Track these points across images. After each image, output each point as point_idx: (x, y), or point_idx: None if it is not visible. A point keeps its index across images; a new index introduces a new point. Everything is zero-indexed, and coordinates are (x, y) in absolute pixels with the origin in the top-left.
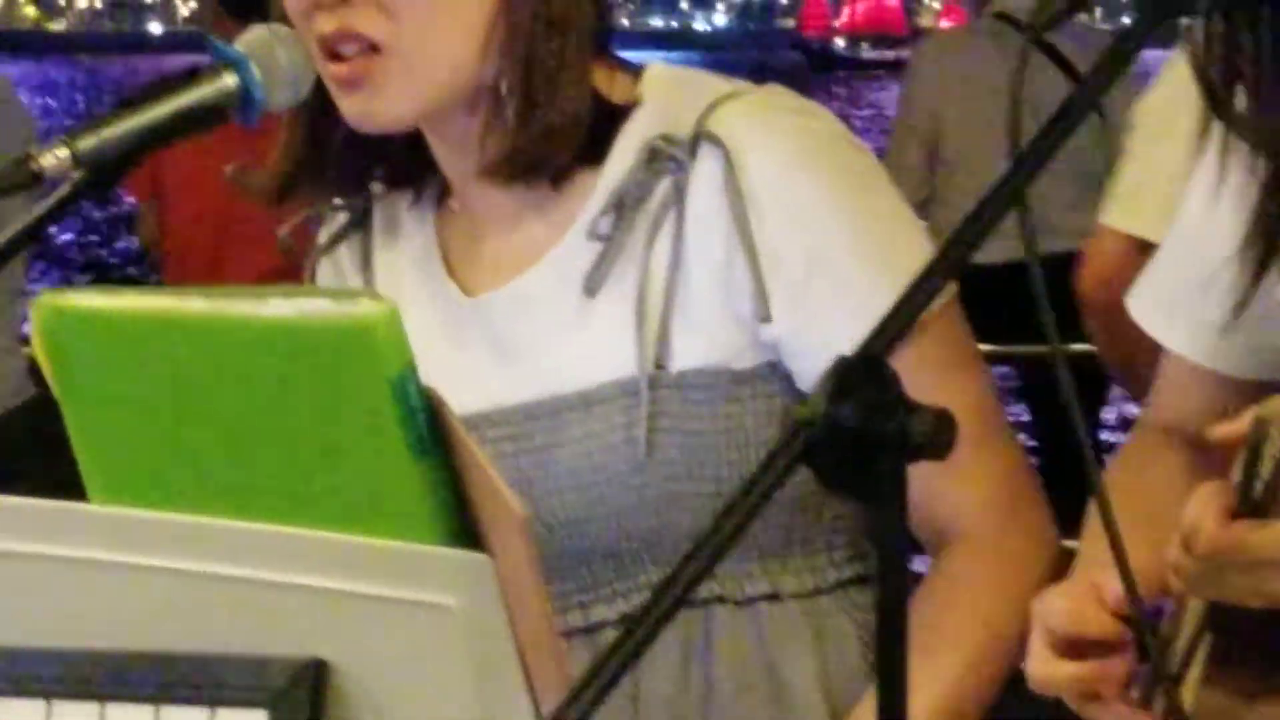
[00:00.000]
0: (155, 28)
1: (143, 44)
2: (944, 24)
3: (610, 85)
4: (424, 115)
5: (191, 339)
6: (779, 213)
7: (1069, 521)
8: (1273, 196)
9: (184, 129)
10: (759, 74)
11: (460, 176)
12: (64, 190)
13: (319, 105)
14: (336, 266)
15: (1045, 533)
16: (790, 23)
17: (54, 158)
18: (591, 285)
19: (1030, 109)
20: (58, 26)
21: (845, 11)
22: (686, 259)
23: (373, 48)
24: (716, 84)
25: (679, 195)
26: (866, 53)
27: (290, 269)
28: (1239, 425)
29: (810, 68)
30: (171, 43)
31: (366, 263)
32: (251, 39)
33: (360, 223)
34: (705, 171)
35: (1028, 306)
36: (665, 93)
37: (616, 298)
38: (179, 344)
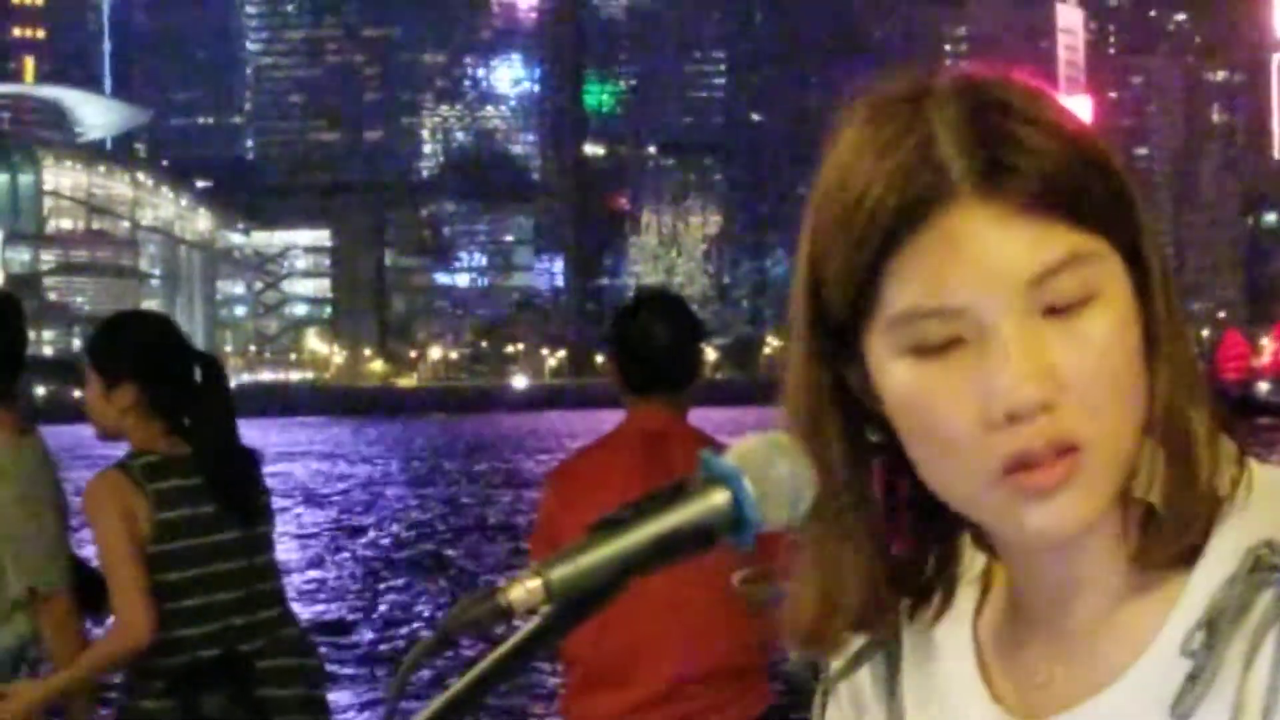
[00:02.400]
0: (519, 382)
1: (502, 400)
2: None
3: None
4: (1106, 511)
5: None
6: None
7: None
8: None
9: (669, 554)
10: None
11: (1042, 581)
12: (533, 626)
13: (865, 524)
14: (855, 693)
15: None
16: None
17: (524, 590)
18: (1183, 711)
19: None
20: (408, 382)
21: (1268, 351)
22: None
23: (1069, 449)
24: None
25: None
26: None
27: (715, 675)
28: None
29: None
30: (537, 398)
31: (892, 688)
32: (746, 449)
33: (883, 640)
34: None
35: None
36: (1268, 491)
37: None
38: None
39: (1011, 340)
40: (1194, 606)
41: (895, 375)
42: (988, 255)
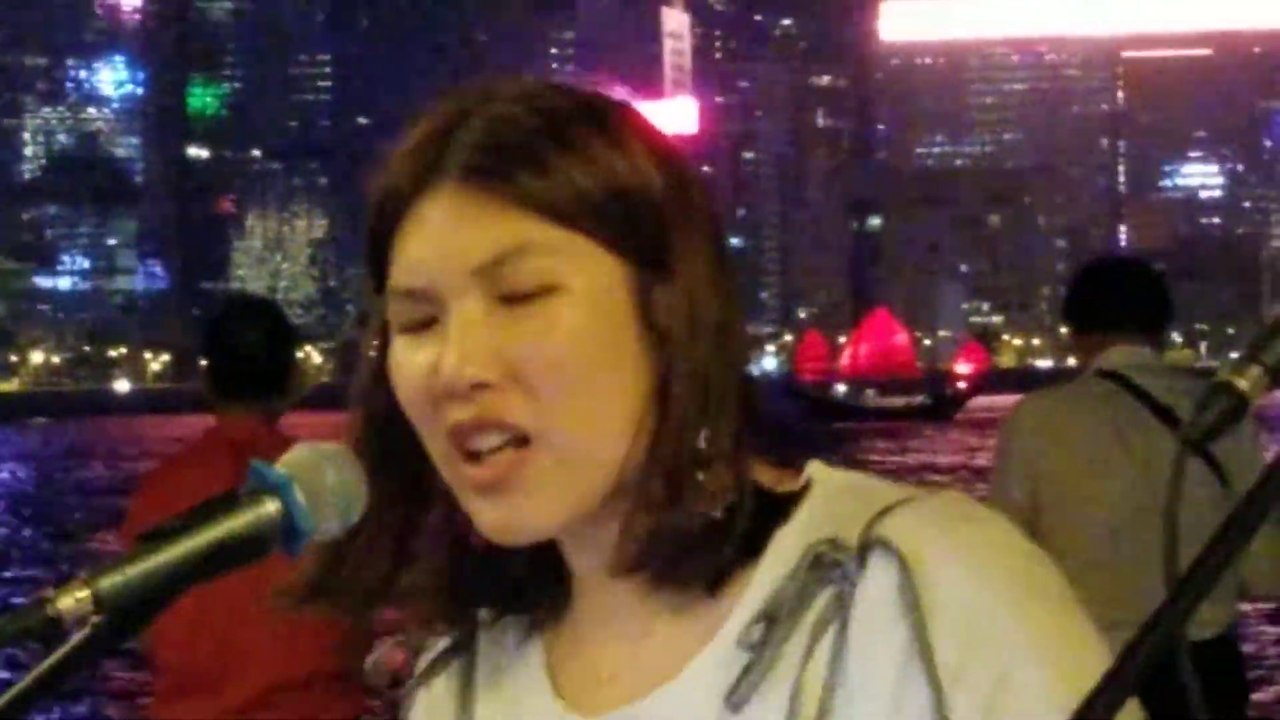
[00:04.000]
0: (122, 386)
1: (107, 405)
2: (962, 367)
3: (775, 480)
4: (575, 519)
5: None
6: (964, 630)
7: None
8: None
9: (220, 564)
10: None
11: (591, 582)
12: (80, 638)
13: (404, 517)
14: (431, 700)
15: None
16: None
17: (73, 600)
18: (737, 700)
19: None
20: (9, 387)
21: (846, 354)
22: (847, 678)
23: (518, 441)
24: (887, 489)
25: (842, 608)
26: (872, 400)
27: (305, 681)
28: None
29: (807, 416)
30: (140, 402)
31: (466, 694)
32: (295, 459)
33: (463, 647)
34: (876, 583)
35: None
36: (830, 494)
37: (763, 716)
38: None
39: (455, 322)
40: (754, 601)
41: (392, 354)
42: (445, 241)
